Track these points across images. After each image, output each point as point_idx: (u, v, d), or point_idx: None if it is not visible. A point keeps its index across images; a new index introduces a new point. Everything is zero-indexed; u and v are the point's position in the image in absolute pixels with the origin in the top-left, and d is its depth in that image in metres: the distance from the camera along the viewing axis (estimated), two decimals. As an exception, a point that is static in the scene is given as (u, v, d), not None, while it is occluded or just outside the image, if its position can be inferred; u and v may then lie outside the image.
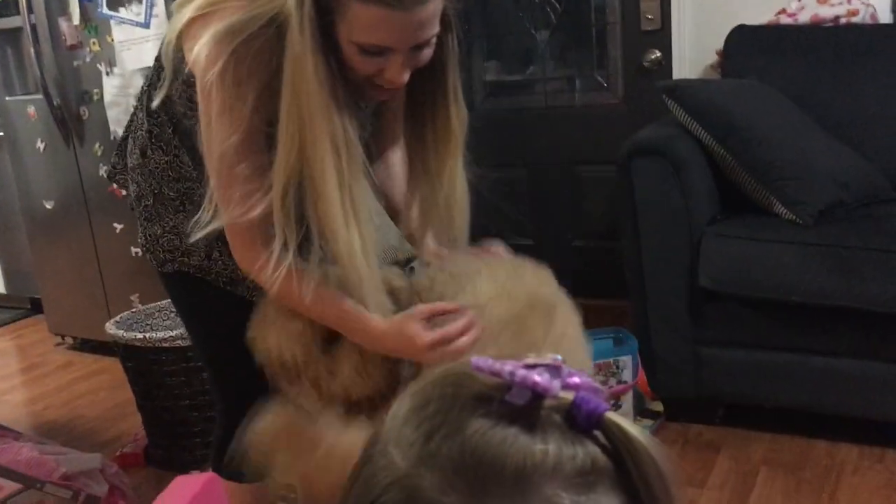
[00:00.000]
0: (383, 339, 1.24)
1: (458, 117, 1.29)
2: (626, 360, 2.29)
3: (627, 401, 2.33)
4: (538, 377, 0.47)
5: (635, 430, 0.48)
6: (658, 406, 2.40)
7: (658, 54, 2.91)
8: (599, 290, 3.13)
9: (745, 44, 2.62)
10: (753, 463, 2.09)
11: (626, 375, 2.30)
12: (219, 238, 1.28)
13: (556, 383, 0.48)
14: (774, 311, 2.08)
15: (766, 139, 2.19)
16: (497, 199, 3.38)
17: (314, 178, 1.14)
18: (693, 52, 2.86)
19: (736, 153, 2.19)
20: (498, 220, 3.41)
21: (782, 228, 2.11)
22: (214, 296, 1.40)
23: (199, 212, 1.22)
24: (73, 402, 2.92)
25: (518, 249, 3.57)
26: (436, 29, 1.13)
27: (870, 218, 2.13)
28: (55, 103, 2.97)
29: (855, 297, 1.96)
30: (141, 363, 2.30)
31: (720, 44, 2.69)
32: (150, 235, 1.41)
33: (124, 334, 2.31)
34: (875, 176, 2.32)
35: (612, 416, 0.48)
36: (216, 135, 1.16)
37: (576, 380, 0.49)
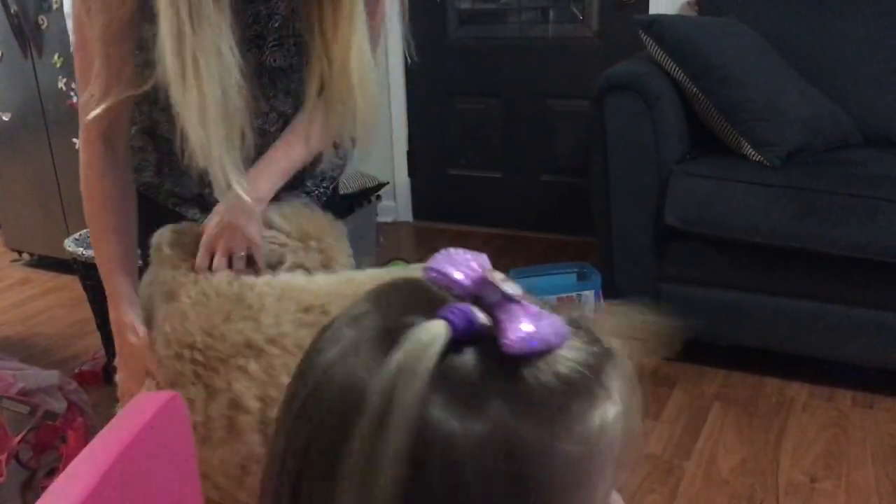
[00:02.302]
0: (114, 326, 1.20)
1: None
2: (589, 295, 2.32)
3: (588, 335, 2.36)
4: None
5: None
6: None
7: (636, -12, 2.87)
8: (565, 225, 3.14)
9: (724, -19, 2.59)
10: (707, 398, 2.15)
11: (588, 310, 2.33)
12: (170, 152, 1.24)
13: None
14: (736, 251, 2.11)
15: (740, 79, 2.19)
16: (466, 130, 3.35)
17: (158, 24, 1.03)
18: (671, -13, 2.83)
19: (708, 92, 2.18)
20: (466, 151, 3.38)
21: (750, 170, 2.12)
22: (163, 218, 1.36)
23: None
24: (31, 318, 2.88)
25: (486, 182, 3.52)
26: None
27: (836, 163, 2.15)
28: (12, 10, 2.86)
29: (816, 239, 1.99)
30: (101, 282, 2.27)
31: (699, -20, 2.66)
32: None
33: (84, 252, 2.26)
34: (845, 121, 2.34)
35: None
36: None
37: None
